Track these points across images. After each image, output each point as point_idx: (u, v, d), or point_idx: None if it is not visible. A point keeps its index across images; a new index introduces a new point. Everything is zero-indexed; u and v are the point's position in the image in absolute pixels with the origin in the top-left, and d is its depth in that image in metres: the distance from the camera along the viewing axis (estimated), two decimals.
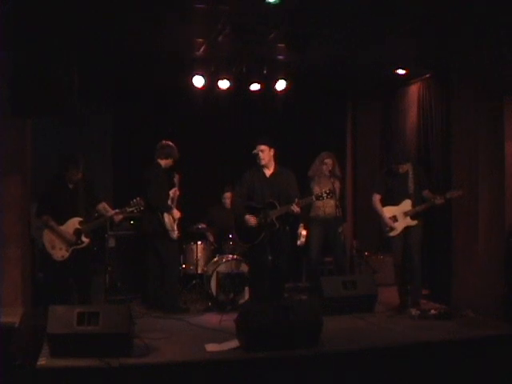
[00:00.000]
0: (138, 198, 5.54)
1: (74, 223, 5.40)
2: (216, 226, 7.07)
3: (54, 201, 5.40)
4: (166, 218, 5.91)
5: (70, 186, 5.47)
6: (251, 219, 5.73)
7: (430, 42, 5.97)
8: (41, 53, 4.34)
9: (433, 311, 5.57)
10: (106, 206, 5.62)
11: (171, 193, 6.03)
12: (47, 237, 5.35)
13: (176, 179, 6.14)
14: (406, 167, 5.91)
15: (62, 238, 5.35)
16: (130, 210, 5.54)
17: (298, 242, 6.73)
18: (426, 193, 5.85)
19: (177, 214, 6.00)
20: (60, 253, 5.35)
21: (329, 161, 6.47)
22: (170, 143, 6.12)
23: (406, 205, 5.85)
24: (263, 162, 5.81)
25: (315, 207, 6.46)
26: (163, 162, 6.07)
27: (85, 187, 5.53)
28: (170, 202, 6.00)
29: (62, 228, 5.37)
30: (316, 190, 6.26)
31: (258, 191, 5.83)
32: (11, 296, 4.76)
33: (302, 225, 6.74)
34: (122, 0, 4.93)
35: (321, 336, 4.51)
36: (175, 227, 5.99)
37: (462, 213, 5.96)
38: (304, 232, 6.70)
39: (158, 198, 5.92)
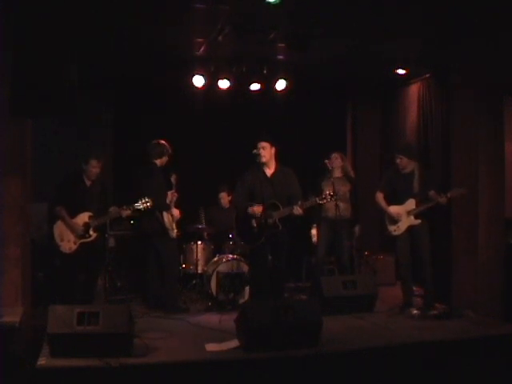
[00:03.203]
0: (147, 198, 5.65)
1: (84, 216, 5.63)
2: (215, 226, 7.06)
3: (70, 194, 5.61)
4: (166, 217, 5.92)
5: (88, 183, 5.72)
6: (256, 208, 5.64)
7: (430, 41, 5.97)
8: (41, 53, 4.33)
9: (433, 311, 5.58)
10: (117, 208, 5.75)
11: (169, 194, 6.03)
12: (58, 229, 5.56)
13: (173, 179, 6.12)
14: (409, 164, 5.86)
15: (71, 229, 5.56)
16: (138, 207, 5.65)
17: (313, 240, 6.83)
18: (432, 193, 5.80)
19: (176, 212, 6.02)
20: (68, 245, 5.56)
21: (343, 163, 6.47)
22: (161, 141, 6.12)
23: (410, 204, 5.83)
24: (264, 160, 5.72)
25: (325, 208, 6.33)
26: (158, 162, 6.08)
27: (101, 187, 5.78)
28: (167, 202, 6.01)
29: (73, 220, 5.57)
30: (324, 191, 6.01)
31: (258, 191, 5.75)
32: (11, 296, 4.75)
33: (314, 225, 6.76)
34: (121, 0, 4.94)
35: (321, 336, 4.51)
36: (174, 226, 6.00)
37: (461, 212, 5.96)
38: (314, 231, 6.75)
39: (158, 198, 5.91)
